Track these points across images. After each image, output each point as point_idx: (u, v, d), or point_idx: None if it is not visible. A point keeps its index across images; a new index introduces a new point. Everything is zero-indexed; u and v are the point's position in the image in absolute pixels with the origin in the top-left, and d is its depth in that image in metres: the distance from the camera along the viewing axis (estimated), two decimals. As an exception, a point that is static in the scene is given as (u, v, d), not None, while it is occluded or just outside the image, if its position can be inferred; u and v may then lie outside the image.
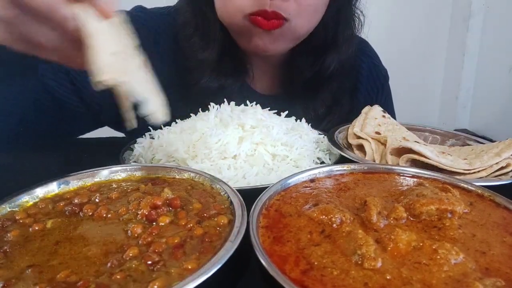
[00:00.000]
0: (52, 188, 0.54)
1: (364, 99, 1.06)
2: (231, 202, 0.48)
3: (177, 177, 0.58)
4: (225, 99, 0.80)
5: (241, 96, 0.82)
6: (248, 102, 0.81)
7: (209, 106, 0.78)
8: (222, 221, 0.45)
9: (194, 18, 0.91)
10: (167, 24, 0.97)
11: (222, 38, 0.91)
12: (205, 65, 0.91)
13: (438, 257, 0.38)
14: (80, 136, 0.99)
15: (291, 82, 1.01)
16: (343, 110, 1.02)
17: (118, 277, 0.36)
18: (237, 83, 0.95)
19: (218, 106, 0.78)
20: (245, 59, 0.97)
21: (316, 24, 0.89)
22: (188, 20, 0.92)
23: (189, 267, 0.37)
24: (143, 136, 0.78)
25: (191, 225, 0.45)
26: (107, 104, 0.95)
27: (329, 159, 0.76)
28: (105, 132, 1.10)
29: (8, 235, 0.44)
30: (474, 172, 0.65)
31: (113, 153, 0.73)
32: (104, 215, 0.48)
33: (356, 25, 0.99)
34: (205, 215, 0.47)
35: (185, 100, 0.92)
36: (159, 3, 1.03)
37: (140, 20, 0.96)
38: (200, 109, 0.80)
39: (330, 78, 0.97)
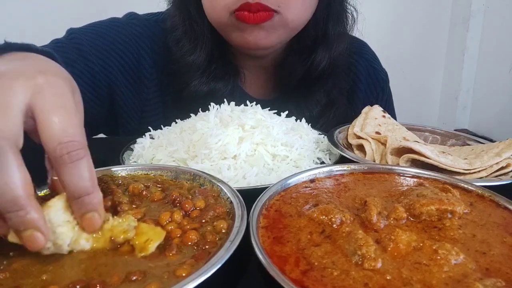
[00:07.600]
0: None
1: (363, 103, 1.05)
2: (231, 203, 0.48)
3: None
4: (225, 100, 0.80)
5: (234, 100, 0.81)
6: (248, 102, 0.81)
7: (209, 106, 0.78)
8: (222, 225, 0.44)
9: (183, 21, 0.91)
10: (160, 30, 0.97)
11: (211, 41, 0.90)
12: (194, 68, 0.91)
13: (438, 257, 0.38)
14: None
15: (285, 84, 1.00)
16: (338, 112, 1.01)
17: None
18: (228, 86, 0.93)
19: (218, 106, 0.78)
20: (236, 61, 0.96)
21: (309, 16, 0.88)
22: (176, 23, 0.92)
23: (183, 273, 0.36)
24: (143, 136, 0.78)
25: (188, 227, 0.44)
26: (102, 117, 0.96)
27: (329, 159, 0.76)
28: (105, 132, 1.10)
29: None
30: (474, 172, 0.65)
31: (113, 153, 0.73)
32: None
33: (349, 22, 0.97)
34: (205, 218, 0.46)
35: (177, 106, 0.92)
36: (152, 9, 1.03)
37: (133, 27, 0.96)
38: (200, 109, 0.80)
39: (323, 76, 0.96)
